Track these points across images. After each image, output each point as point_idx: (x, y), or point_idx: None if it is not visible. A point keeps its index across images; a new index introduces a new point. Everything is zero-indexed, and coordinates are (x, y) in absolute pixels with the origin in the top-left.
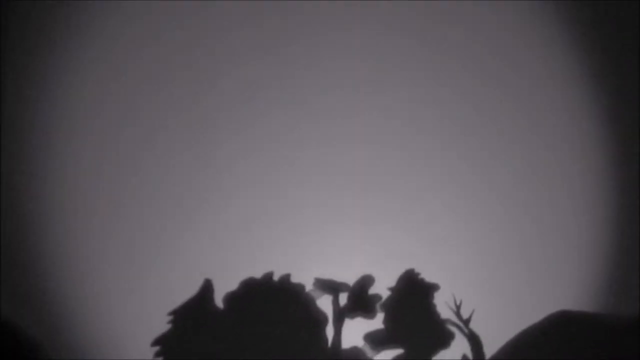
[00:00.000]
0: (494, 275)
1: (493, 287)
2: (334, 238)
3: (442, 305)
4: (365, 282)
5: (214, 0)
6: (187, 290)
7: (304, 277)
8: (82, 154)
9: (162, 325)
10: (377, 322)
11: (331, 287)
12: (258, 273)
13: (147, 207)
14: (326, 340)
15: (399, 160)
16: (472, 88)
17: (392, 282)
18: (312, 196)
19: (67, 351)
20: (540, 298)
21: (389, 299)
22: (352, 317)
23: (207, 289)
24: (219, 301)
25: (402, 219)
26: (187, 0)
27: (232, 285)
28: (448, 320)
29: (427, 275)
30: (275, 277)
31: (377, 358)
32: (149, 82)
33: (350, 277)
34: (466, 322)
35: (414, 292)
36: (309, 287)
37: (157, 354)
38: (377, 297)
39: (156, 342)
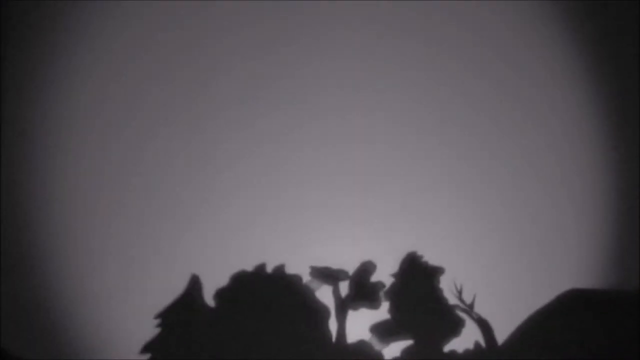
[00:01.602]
0: (494, 271)
1: (493, 284)
2: (334, 238)
3: (447, 291)
4: (367, 268)
5: (214, 0)
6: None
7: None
8: (81, 153)
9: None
10: (382, 312)
11: (330, 276)
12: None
13: (147, 207)
14: (330, 334)
15: (399, 160)
16: (473, 88)
17: (394, 267)
18: (312, 196)
19: (67, 351)
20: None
21: (393, 285)
22: (355, 307)
23: (194, 285)
24: (209, 298)
25: (402, 218)
26: (187, 0)
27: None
28: (456, 306)
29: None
30: (269, 269)
31: (386, 351)
32: (148, 82)
33: (348, 265)
34: (470, 307)
35: (417, 276)
36: (306, 277)
37: None
38: (380, 284)
39: (145, 349)
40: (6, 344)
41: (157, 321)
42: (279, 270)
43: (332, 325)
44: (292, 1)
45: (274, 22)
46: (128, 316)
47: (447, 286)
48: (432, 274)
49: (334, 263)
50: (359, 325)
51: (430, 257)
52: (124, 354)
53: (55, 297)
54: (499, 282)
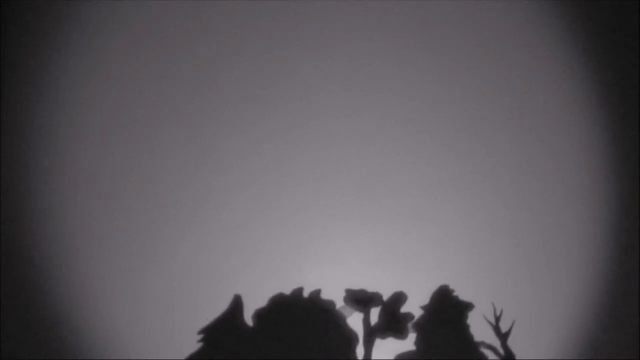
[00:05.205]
0: (494, 275)
1: (492, 287)
2: (335, 239)
3: (477, 318)
4: (399, 299)
5: (214, 0)
6: (188, 293)
7: (306, 279)
8: (81, 154)
9: (165, 330)
10: (408, 342)
11: (363, 302)
12: (260, 276)
13: (147, 208)
14: None
15: (400, 161)
16: (472, 88)
17: (420, 296)
18: (313, 197)
19: (67, 351)
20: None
21: (422, 318)
22: (384, 336)
23: (237, 305)
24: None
25: (403, 220)
26: (187, 0)
27: (236, 290)
28: (483, 344)
29: (433, 279)
30: (306, 293)
31: None
32: (148, 82)
33: (381, 289)
34: (505, 336)
35: (447, 311)
36: (339, 302)
37: None
38: (409, 316)
39: None
40: (6, 344)
41: (201, 336)
42: (316, 295)
43: (359, 352)
44: (292, 1)
45: (273, 22)
46: (128, 317)
47: (484, 311)
48: (461, 310)
49: (369, 286)
50: (385, 352)
51: (431, 259)
52: (124, 355)
53: (56, 298)
54: (498, 282)
